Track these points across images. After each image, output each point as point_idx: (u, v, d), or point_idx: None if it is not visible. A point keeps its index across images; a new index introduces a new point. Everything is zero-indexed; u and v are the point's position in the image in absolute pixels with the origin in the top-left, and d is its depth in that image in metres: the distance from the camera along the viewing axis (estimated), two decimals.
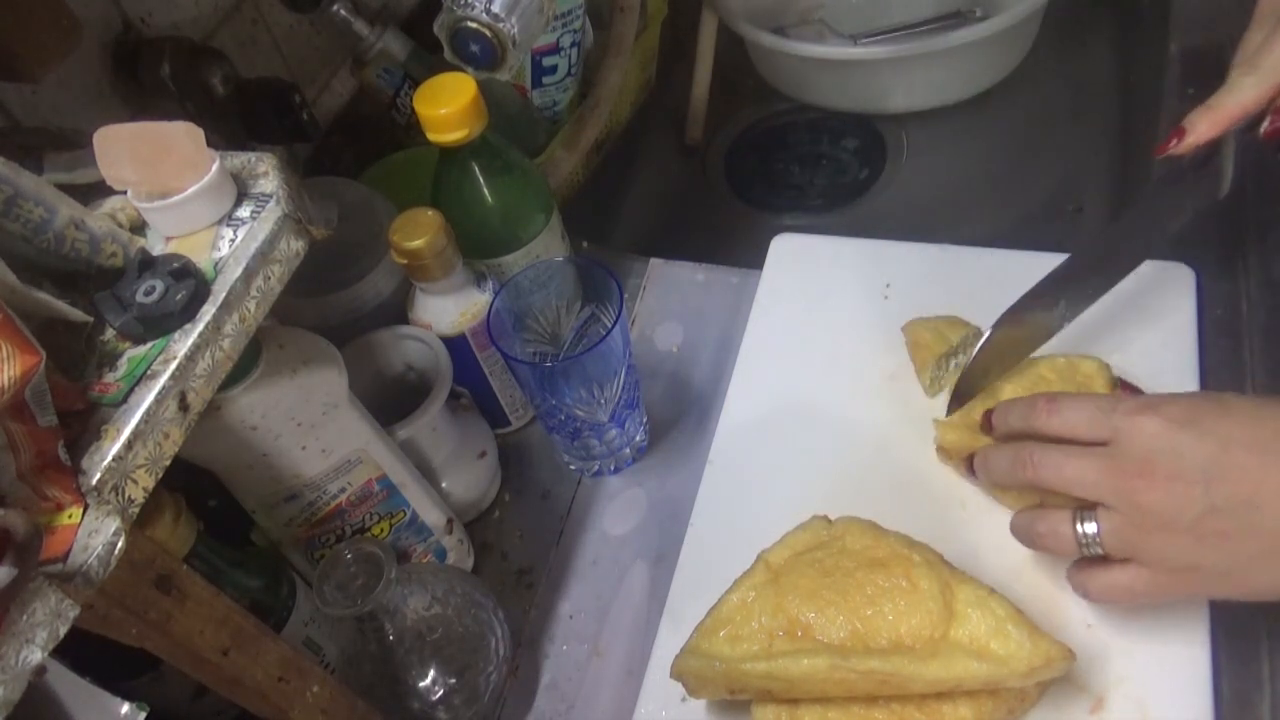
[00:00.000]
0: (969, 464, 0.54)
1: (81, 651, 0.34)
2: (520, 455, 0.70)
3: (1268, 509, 0.41)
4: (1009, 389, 0.56)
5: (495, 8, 0.58)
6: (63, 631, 0.31)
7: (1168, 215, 0.55)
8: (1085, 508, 0.46)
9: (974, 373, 0.56)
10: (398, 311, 0.64)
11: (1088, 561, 0.47)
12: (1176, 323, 0.60)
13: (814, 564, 0.50)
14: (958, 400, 0.57)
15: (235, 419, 0.45)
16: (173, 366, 0.36)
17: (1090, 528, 0.45)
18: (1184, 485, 0.42)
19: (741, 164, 0.94)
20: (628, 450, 0.66)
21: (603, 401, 0.60)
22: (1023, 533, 0.50)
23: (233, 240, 0.40)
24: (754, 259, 0.72)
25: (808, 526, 0.52)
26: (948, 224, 0.80)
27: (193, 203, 0.40)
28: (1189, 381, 0.57)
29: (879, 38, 0.90)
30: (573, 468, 0.68)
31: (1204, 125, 0.50)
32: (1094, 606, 0.50)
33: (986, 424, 0.53)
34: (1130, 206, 0.54)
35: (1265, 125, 0.49)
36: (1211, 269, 0.63)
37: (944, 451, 0.57)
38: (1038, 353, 0.57)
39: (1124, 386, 0.56)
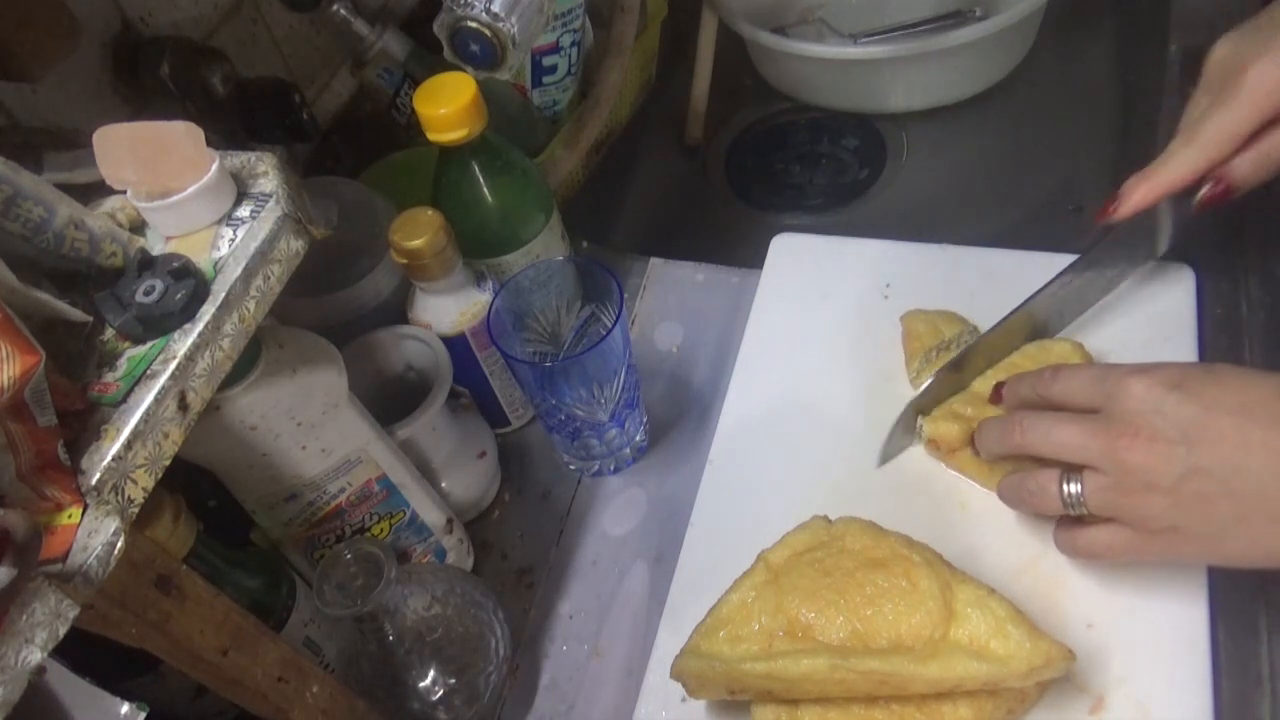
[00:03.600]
0: (973, 447, 0.55)
1: (81, 651, 0.34)
2: (520, 455, 0.70)
3: (1248, 473, 0.42)
4: (982, 380, 0.58)
5: (495, 8, 0.58)
6: (62, 631, 0.31)
7: (1112, 268, 0.59)
8: (1073, 469, 0.47)
9: (950, 373, 0.58)
10: (398, 311, 0.64)
11: (1073, 520, 0.48)
12: (1176, 323, 0.60)
13: (814, 564, 0.50)
14: (929, 396, 0.58)
15: (235, 419, 0.45)
16: (172, 366, 0.36)
17: (1075, 487, 0.46)
18: (1165, 445, 0.43)
19: (741, 164, 0.94)
20: (628, 450, 0.66)
21: (603, 401, 0.60)
22: (1011, 493, 0.51)
23: (232, 240, 0.40)
24: (754, 259, 0.72)
25: (808, 526, 0.52)
26: (948, 224, 0.80)
27: (192, 202, 0.40)
28: None
29: (879, 37, 0.90)
30: (573, 468, 0.68)
31: (1140, 193, 0.52)
32: (1094, 606, 0.50)
33: (996, 396, 0.54)
34: (1071, 265, 0.58)
35: (1201, 195, 0.51)
36: (1211, 269, 0.63)
37: (933, 445, 0.58)
38: None
39: None
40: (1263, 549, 0.43)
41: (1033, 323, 0.59)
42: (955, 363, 0.58)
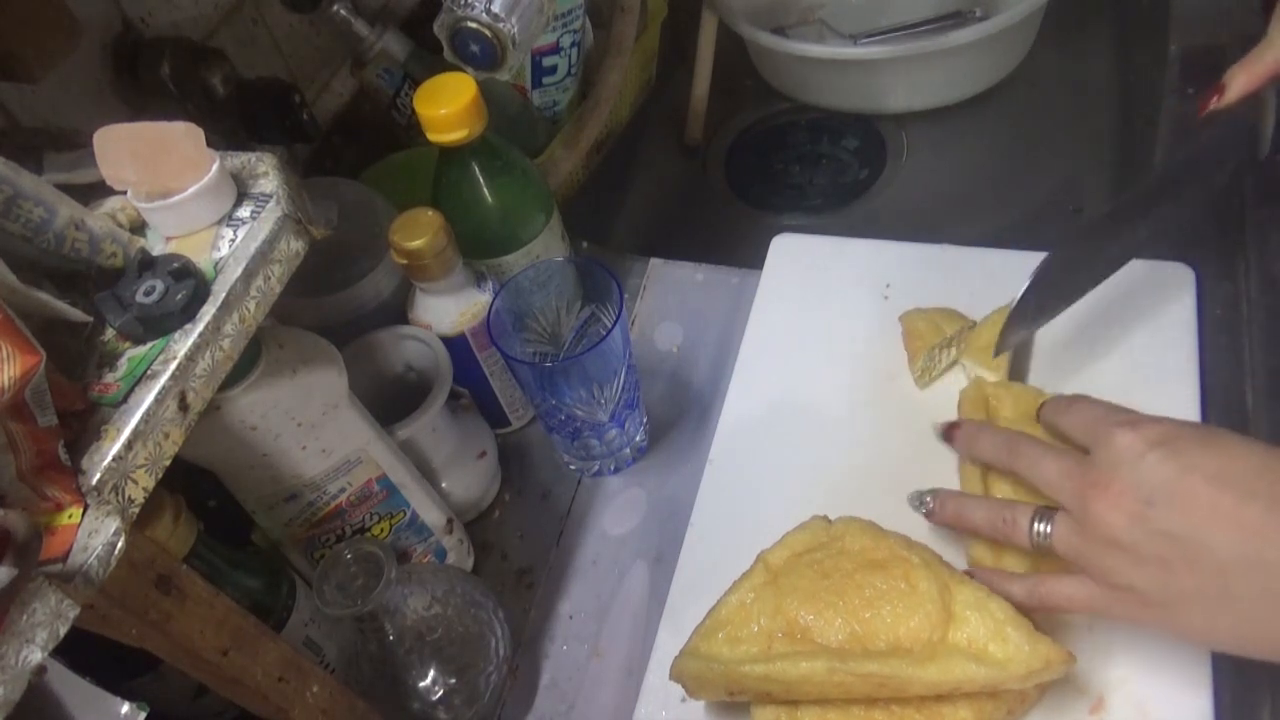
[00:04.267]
0: (949, 429, 0.55)
1: (81, 651, 0.34)
2: (520, 455, 0.70)
3: (1210, 546, 0.40)
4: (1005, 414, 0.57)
5: (495, 8, 0.58)
6: (63, 631, 0.31)
7: (1210, 171, 0.55)
8: (1050, 509, 0.46)
9: (1020, 316, 0.56)
10: (398, 311, 0.64)
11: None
12: (1176, 323, 0.60)
13: (813, 565, 0.50)
14: (1003, 342, 0.57)
15: (235, 419, 0.45)
16: (173, 366, 0.36)
17: (1044, 526, 0.46)
18: (1131, 502, 0.42)
19: (741, 164, 0.94)
20: (628, 450, 0.66)
21: (603, 401, 0.60)
22: (984, 515, 0.50)
23: (233, 240, 0.40)
24: (754, 259, 0.72)
25: (807, 527, 0.52)
26: (948, 224, 0.80)
27: (193, 203, 0.40)
28: (1189, 381, 0.57)
29: (879, 38, 0.90)
30: (573, 468, 0.68)
31: (1242, 79, 0.50)
32: None
33: (1037, 414, 0.54)
34: (1170, 158, 0.55)
35: None
36: (1211, 269, 0.63)
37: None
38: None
39: None
40: (1222, 631, 0.41)
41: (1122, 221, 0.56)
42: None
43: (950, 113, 0.90)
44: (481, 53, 0.60)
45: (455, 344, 0.62)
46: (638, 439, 0.66)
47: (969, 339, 0.61)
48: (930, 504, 0.52)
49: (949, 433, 0.55)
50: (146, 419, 0.35)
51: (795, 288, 0.69)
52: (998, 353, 0.58)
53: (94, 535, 0.32)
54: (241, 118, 0.64)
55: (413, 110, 0.59)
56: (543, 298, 0.61)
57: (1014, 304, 0.56)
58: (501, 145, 0.62)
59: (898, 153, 0.90)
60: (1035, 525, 0.46)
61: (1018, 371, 0.61)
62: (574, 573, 0.63)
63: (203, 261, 0.40)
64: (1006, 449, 0.50)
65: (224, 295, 0.39)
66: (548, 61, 0.77)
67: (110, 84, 0.60)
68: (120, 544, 0.33)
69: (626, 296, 0.59)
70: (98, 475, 0.34)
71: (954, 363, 0.62)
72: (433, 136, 0.59)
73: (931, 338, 0.61)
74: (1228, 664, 0.48)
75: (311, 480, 0.52)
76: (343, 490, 0.53)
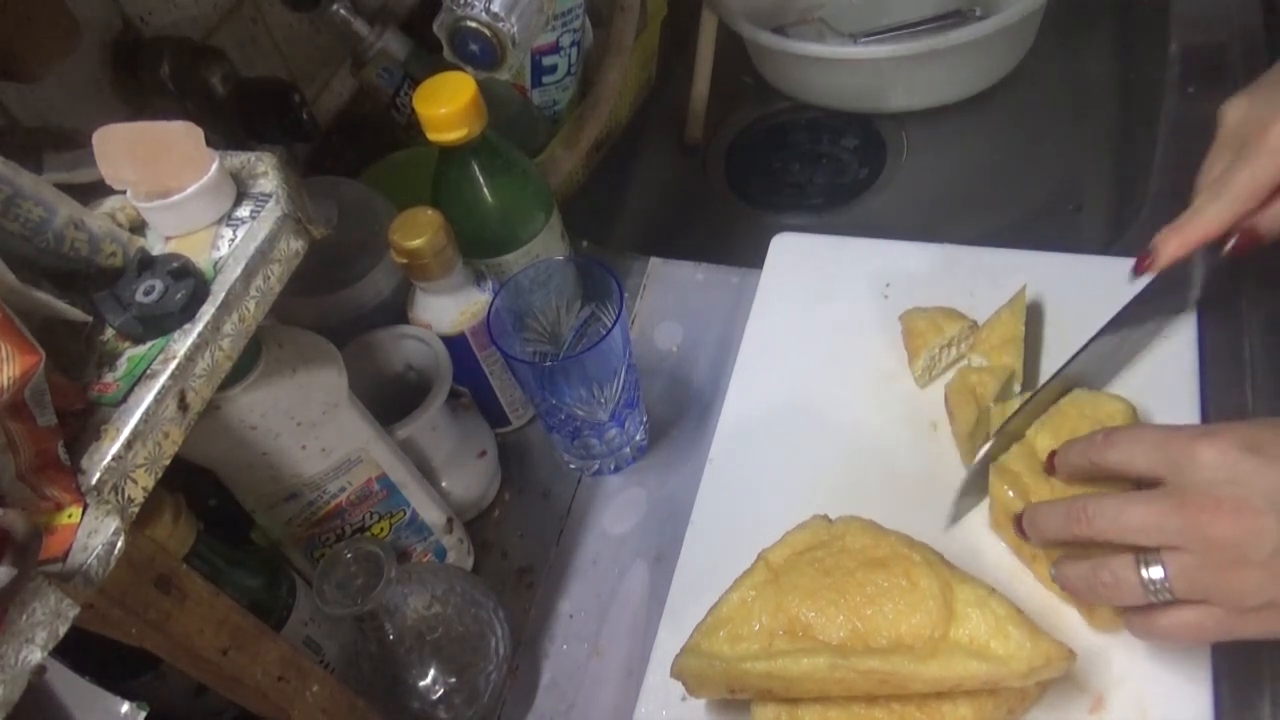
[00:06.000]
0: (1017, 523, 0.51)
1: (82, 651, 0.34)
2: (520, 455, 0.70)
3: None
4: (1042, 438, 0.55)
5: (495, 7, 0.58)
6: (62, 631, 0.31)
7: (1145, 320, 0.59)
8: (1148, 551, 0.43)
9: (974, 484, 0.56)
10: (398, 311, 0.64)
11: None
12: (1176, 323, 0.60)
13: (814, 563, 0.50)
14: (958, 510, 0.56)
15: (235, 418, 0.45)
16: (172, 366, 0.36)
17: (1156, 572, 0.42)
18: (1252, 516, 0.40)
19: (741, 163, 0.94)
20: (628, 449, 0.66)
21: (603, 401, 0.60)
22: (1081, 583, 0.47)
23: (232, 240, 0.40)
24: (754, 259, 0.72)
25: (808, 526, 0.52)
26: (948, 223, 0.80)
27: (192, 202, 0.40)
28: (1189, 381, 0.57)
29: (879, 37, 0.90)
30: (573, 467, 0.68)
31: (1173, 246, 0.53)
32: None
33: (1050, 467, 0.52)
34: (1107, 326, 0.57)
35: (1230, 245, 0.52)
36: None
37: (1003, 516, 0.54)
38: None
39: None
40: None
41: (1072, 385, 0.57)
42: (1002, 428, 0.55)
43: (950, 112, 0.90)
44: (481, 52, 0.60)
45: (455, 343, 0.62)
46: (638, 438, 0.66)
47: (978, 340, 0.60)
48: (1053, 572, 0.49)
49: (1017, 528, 0.51)
50: (146, 418, 0.35)
51: (795, 287, 0.69)
52: (950, 523, 0.56)
53: (94, 535, 0.32)
54: (241, 117, 0.64)
55: (412, 110, 0.59)
56: (543, 297, 0.61)
57: (970, 472, 0.56)
58: (501, 145, 0.62)
59: (898, 152, 0.90)
60: (1145, 574, 0.43)
61: (1030, 375, 0.61)
62: (574, 572, 0.63)
63: (202, 261, 0.40)
64: (1076, 519, 0.46)
65: (224, 295, 0.39)
66: (548, 61, 0.77)
67: (110, 84, 0.60)
68: (120, 543, 0.33)
69: (626, 296, 0.59)
70: (97, 475, 0.34)
71: (956, 361, 0.62)
72: (432, 136, 0.59)
73: (932, 337, 0.61)
74: (1228, 663, 0.48)
75: (311, 479, 0.52)
76: (343, 489, 0.53)
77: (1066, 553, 0.49)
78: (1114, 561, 0.44)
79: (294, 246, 0.42)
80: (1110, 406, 0.55)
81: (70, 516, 0.33)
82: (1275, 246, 0.52)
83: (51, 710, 0.36)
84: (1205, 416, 0.56)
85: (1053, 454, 0.52)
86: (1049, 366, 0.61)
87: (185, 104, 0.61)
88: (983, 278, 0.65)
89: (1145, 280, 0.56)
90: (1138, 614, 0.45)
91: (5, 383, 0.30)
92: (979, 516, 0.55)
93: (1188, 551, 0.42)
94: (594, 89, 0.80)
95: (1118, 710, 0.47)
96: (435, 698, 0.53)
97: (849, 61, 0.87)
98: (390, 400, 0.59)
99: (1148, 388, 0.57)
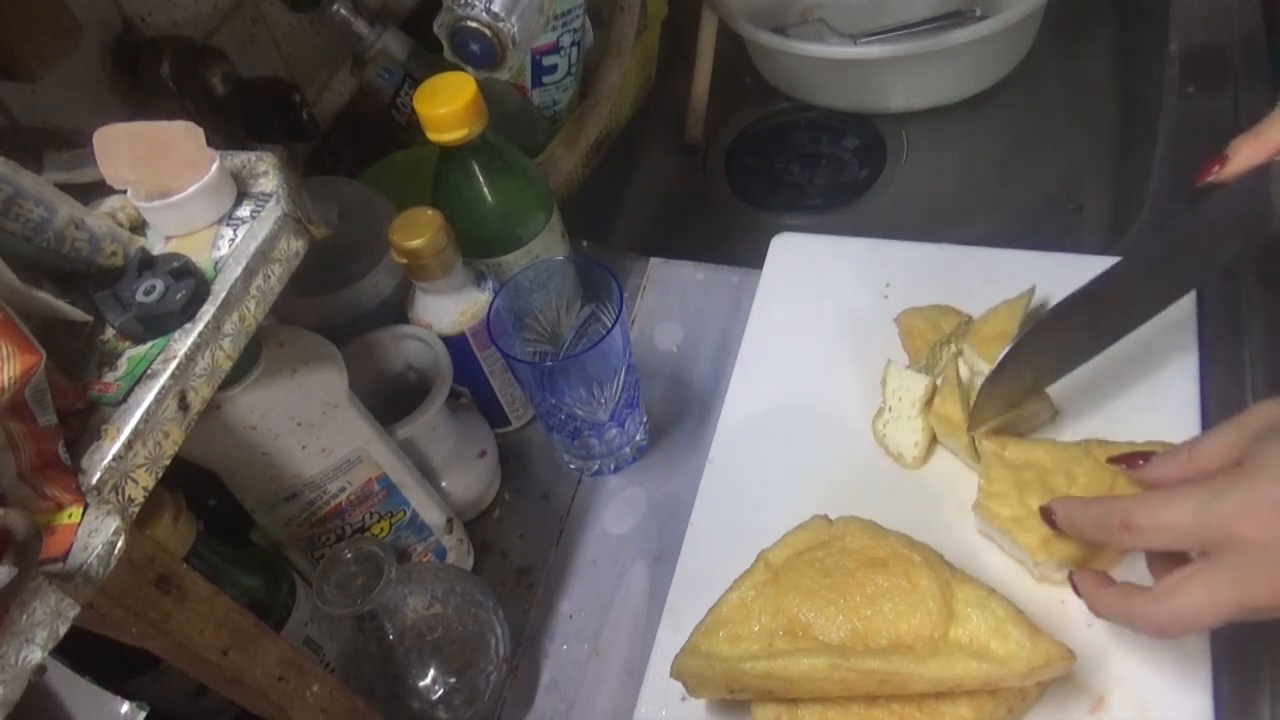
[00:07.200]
0: (1046, 515, 0.48)
1: (82, 651, 0.34)
2: (520, 455, 0.70)
3: None
4: (1040, 453, 0.53)
5: (495, 7, 0.58)
6: (63, 631, 0.31)
7: (1215, 244, 0.50)
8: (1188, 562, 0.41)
9: (995, 389, 0.52)
10: (398, 311, 0.64)
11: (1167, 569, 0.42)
12: (1176, 323, 0.60)
13: (814, 563, 0.50)
14: (976, 417, 0.54)
15: (235, 418, 0.45)
16: (172, 366, 0.36)
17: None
18: None
19: (741, 164, 0.94)
20: (628, 449, 0.66)
21: (603, 401, 0.60)
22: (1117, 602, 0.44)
23: (233, 240, 0.40)
24: (754, 259, 0.72)
25: (808, 526, 0.52)
26: (948, 223, 0.80)
27: (193, 202, 0.40)
28: (1189, 382, 0.57)
29: (879, 37, 0.90)
30: (573, 467, 0.68)
31: (1247, 151, 0.47)
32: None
33: (1049, 520, 0.48)
34: (1172, 228, 0.49)
35: None
36: None
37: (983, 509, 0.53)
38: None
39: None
40: None
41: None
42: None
43: (950, 112, 0.90)
44: (481, 52, 0.60)
45: (455, 343, 0.62)
46: (638, 438, 0.66)
47: (971, 330, 0.61)
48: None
49: (1047, 518, 0.48)
50: (146, 418, 0.35)
51: (795, 287, 0.69)
52: (972, 428, 0.54)
53: (94, 534, 0.32)
54: (241, 117, 0.64)
55: (413, 109, 0.59)
56: (543, 297, 0.61)
57: (992, 370, 0.52)
58: (501, 144, 0.62)
59: (898, 152, 0.90)
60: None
61: None
62: (574, 572, 0.63)
63: (203, 261, 0.40)
64: (1111, 515, 0.44)
65: (224, 294, 0.39)
66: (548, 61, 0.77)
67: (110, 83, 0.60)
68: (120, 543, 0.33)
69: (626, 296, 0.60)
70: (98, 474, 0.34)
71: (955, 357, 0.62)
72: (432, 136, 0.59)
73: (931, 336, 0.61)
74: (1228, 663, 0.48)
75: (311, 479, 0.52)
76: (343, 489, 0.53)
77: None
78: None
79: (294, 246, 0.42)
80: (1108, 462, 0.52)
81: (71, 516, 0.33)
82: (1275, 248, 0.51)
83: (51, 710, 0.36)
84: (1205, 416, 0.56)
85: (1046, 510, 0.48)
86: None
87: (185, 104, 0.61)
88: (982, 278, 0.65)
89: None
90: (1146, 598, 0.42)
91: (6, 382, 0.30)
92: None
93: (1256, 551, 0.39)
94: (594, 89, 0.80)
95: (1118, 710, 0.47)
96: (435, 698, 0.53)
97: (849, 61, 0.87)
98: (390, 400, 0.59)
99: (1148, 389, 0.57)
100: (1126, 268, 0.51)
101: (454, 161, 0.62)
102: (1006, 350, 0.53)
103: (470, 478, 0.64)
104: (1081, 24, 0.94)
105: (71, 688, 0.36)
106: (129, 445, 0.35)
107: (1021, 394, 0.55)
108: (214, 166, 0.41)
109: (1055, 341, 0.53)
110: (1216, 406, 0.57)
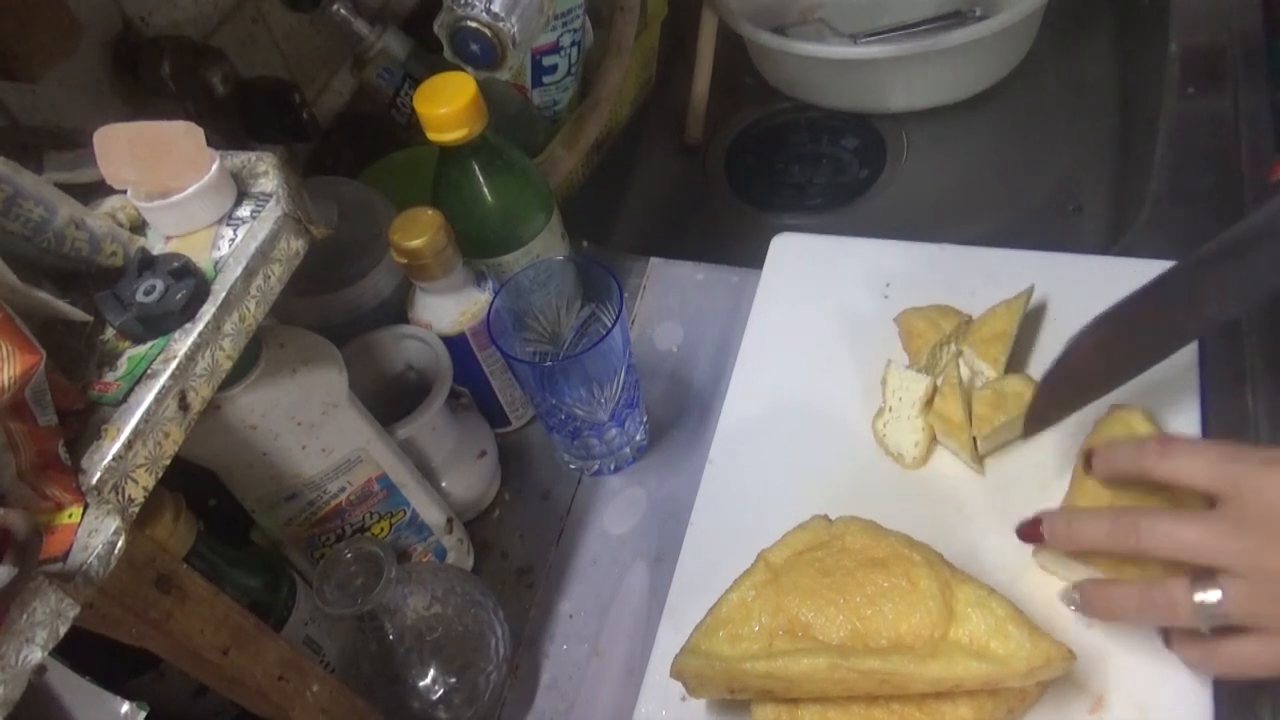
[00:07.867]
0: (1085, 459, 0.48)
1: (82, 650, 0.34)
2: (520, 455, 0.70)
3: None
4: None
5: (495, 7, 0.58)
6: (63, 631, 0.31)
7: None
8: (1200, 574, 0.42)
9: (1056, 391, 0.51)
10: (398, 311, 0.64)
11: (1199, 633, 0.43)
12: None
13: (814, 563, 0.50)
14: (1034, 423, 0.53)
15: (235, 418, 0.45)
16: (173, 366, 0.36)
17: (1212, 595, 0.41)
18: None
19: (741, 164, 0.94)
20: (628, 449, 0.66)
21: (603, 401, 0.60)
22: (1131, 604, 0.45)
23: (233, 239, 0.40)
24: (754, 259, 0.72)
25: (808, 526, 0.52)
26: (948, 224, 0.80)
27: (193, 202, 0.40)
28: (1189, 381, 0.57)
29: (879, 37, 0.90)
30: (573, 467, 0.68)
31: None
32: None
33: (1087, 465, 0.49)
34: (1241, 224, 0.46)
35: None
36: None
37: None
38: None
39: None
40: None
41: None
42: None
43: (950, 112, 0.90)
44: (481, 52, 0.60)
45: (455, 343, 0.62)
46: (638, 438, 0.66)
47: (970, 330, 0.61)
48: (1077, 599, 0.49)
49: (1027, 532, 0.49)
50: (146, 418, 0.35)
51: (795, 287, 0.69)
52: (1028, 434, 0.53)
53: (94, 534, 0.32)
54: (241, 117, 0.64)
55: (413, 109, 0.59)
56: (543, 297, 0.61)
57: (1047, 373, 0.51)
58: (501, 144, 0.62)
59: (898, 152, 0.90)
60: (1200, 598, 0.42)
61: (1017, 370, 0.61)
62: (574, 572, 0.63)
63: (203, 261, 0.40)
64: (1125, 533, 0.44)
65: (224, 294, 0.39)
66: (548, 61, 0.77)
67: (110, 83, 0.60)
68: (120, 543, 0.33)
69: (626, 296, 0.59)
70: (98, 474, 0.34)
71: (956, 357, 0.62)
72: (433, 136, 0.59)
73: (931, 336, 0.61)
74: None
75: (311, 479, 0.52)
76: (343, 489, 0.53)
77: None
78: (1171, 584, 0.43)
79: (294, 246, 0.42)
80: (1130, 417, 0.54)
81: (71, 516, 0.33)
82: (1274, 246, 0.50)
83: (51, 710, 0.36)
84: (1205, 420, 0.56)
85: (1089, 452, 0.49)
86: (1044, 364, 0.60)
87: (185, 104, 0.61)
88: (982, 278, 0.65)
89: None
90: (1194, 645, 0.45)
91: (6, 382, 0.30)
92: (980, 521, 0.55)
93: (1244, 578, 0.41)
94: (594, 89, 0.80)
95: (1118, 710, 0.47)
96: (435, 698, 0.53)
97: (849, 61, 0.87)
98: (390, 400, 0.59)
99: (1147, 390, 0.57)
100: (1192, 262, 0.48)
101: (454, 161, 0.62)
102: (1062, 352, 0.50)
103: (470, 478, 0.64)
104: (1081, 24, 0.94)
105: (71, 688, 0.36)
106: (129, 445, 0.35)
107: (1083, 398, 0.53)
108: (214, 166, 0.41)
109: (1120, 343, 0.51)
110: (1217, 410, 0.57)
